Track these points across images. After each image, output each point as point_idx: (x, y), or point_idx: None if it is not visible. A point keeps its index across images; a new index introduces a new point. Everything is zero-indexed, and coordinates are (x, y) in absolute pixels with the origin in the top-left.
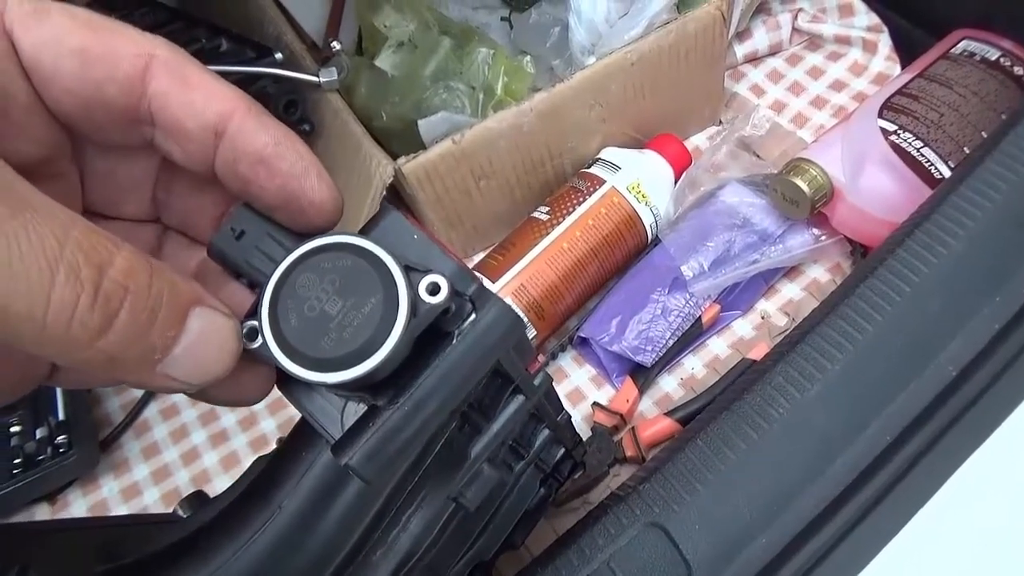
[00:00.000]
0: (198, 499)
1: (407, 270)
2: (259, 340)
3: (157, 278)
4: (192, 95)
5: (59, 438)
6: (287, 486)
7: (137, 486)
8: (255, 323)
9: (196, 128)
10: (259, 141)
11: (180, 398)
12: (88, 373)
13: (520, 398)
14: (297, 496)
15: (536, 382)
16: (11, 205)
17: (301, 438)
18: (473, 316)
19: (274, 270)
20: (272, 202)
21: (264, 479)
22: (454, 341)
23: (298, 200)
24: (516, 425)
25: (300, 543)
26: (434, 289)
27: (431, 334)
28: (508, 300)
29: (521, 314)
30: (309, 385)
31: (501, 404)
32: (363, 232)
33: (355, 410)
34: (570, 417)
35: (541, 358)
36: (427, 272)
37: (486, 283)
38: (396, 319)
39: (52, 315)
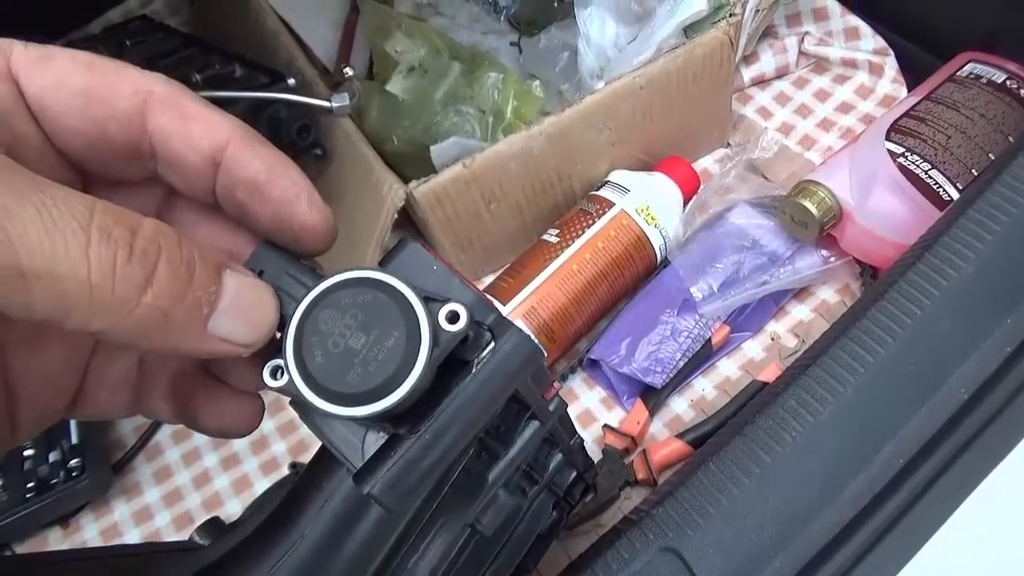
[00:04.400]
0: (214, 526)
1: (426, 300)
2: (284, 378)
3: (185, 240)
4: (189, 127)
5: (72, 462)
6: (308, 514)
7: (149, 509)
8: (279, 361)
9: (195, 159)
10: (252, 168)
11: None
12: (125, 364)
13: (535, 424)
14: (319, 524)
15: (551, 407)
16: (34, 182)
17: (322, 466)
18: (492, 345)
19: (296, 308)
20: (267, 227)
21: (285, 507)
22: (474, 370)
23: (290, 225)
24: (531, 450)
25: (322, 572)
26: (453, 317)
27: (451, 363)
28: (519, 322)
29: (533, 338)
30: (331, 414)
31: (517, 430)
32: (383, 264)
33: (375, 439)
34: (583, 441)
35: (557, 384)
36: (446, 301)
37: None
38: (419, 350)
39: (95, 274)
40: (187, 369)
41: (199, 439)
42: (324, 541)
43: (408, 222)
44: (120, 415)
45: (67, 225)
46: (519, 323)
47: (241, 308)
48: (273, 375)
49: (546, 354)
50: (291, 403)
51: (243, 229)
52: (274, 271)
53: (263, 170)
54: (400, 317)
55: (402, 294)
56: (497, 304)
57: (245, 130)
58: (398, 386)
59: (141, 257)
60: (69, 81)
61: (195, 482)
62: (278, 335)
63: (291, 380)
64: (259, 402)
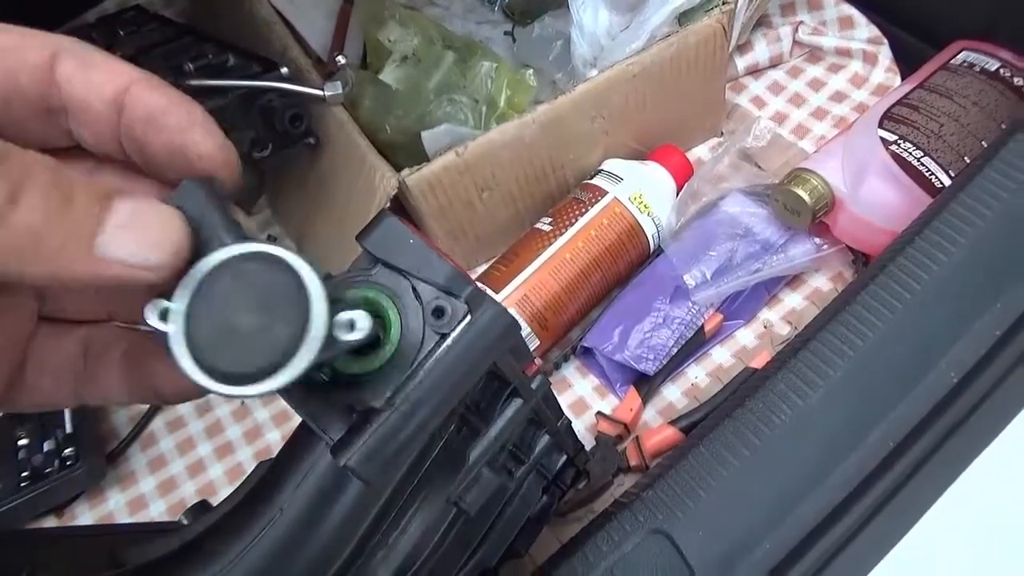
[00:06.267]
0: (203, 508)
1: (332, 301)
2: (166, 326)
3: (64, 168)
4: (93, 73)
5: (66, 451)
6: (288, 489)
7: (143, 498)
8: (169, 305)
9: (99, 105)
10: (151, 102)
11: (187, 410)
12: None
13: (518, 402)
14: (298, 498)
15: (534, 385)
16: None
17: (301, 441)
18: (468, 319)
19: (204, 261)
20: (163, 161)
21: (265, 483)
22: (449, 343)
23: (184, 154)
24: (515, 429)
25: (302, 545)
26: (351, 326)
27: (428, 337)
28: (512, 311)
29: (524, 324)
30: (309, 388)
31: (498, 407)
32: (360, 237)
33: (354, 412)
34: (570, 423)
35: (538, 361)
36: (349, 308)
37: (489, 293)
38: (298, 351)
39: None
40: (138, 340)
41: (193, 428)
42: (303, 515)
43: (401, 211)
44: (69, 403)
45: None
46: (512, 311)
47: (136, 227)
48: (159, 316)
49: (538, 341)
50: None
51: None
52: (194, 213)
53: (161, 102)
54: (295, 312)
55: (306, 289)
56: (489, 291)
57: (148, 76)
58: (265, 378)
59: (5, 175)
60: None
61: (189, 471)
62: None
63: (172, 331)
64: None
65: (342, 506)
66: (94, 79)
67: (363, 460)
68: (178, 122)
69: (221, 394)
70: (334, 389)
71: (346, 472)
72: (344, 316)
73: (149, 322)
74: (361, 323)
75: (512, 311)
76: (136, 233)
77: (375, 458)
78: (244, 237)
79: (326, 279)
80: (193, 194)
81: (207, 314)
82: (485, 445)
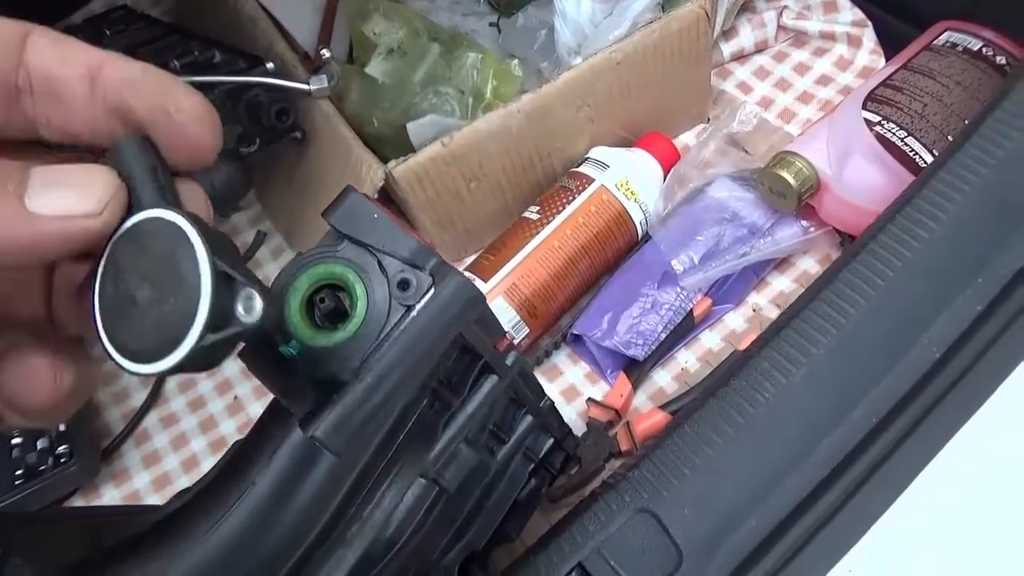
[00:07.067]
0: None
1: (227, 279)
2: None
3: None
4: (67, 49)
5: (60, 448)
6: (260, 462)
7: (138, 494)
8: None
9: (70, 74)
10: (129, 69)
11: (180, 406)
12: None
13: (493, 378)
14: (270, 472)
15: (508, 362)
16: None
17: (272, 417)
18: (432, 291)
19: (123, 225)
20: (145, 118)
21: (238, 458)
22: (415, 314)
23: (166, 111)
24: (492, 406)
25: (274, 517)
26: (249, 306)
27: (394, 308)
28: (500, 299)
29: (514, 313)
30: (278, 363)
31: (471, 381)
32: (326, 214)
33: (323, 386)
34: (553, 403)
35: (510, 335)
36: (247, 284)
37: (479, 284)
38: (189, 331)
39: None
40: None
41: (187, 424)
42: (275, 488)
43: (389, 203)
44: None
45: None
46: (500, 300)
47: (64, 179)
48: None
49: (528, 329)
50: (239, 353)
51: None
52: (126, 171)
53: (137, 69)
54: (184, 286)
55: (197, 261)
56: (479, 282)
57: (118, 54)
58: (156, 359)
59: None
60: None
61: (183, 466)
62: None
63: (92, 302)
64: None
65: (314, 479)
66: (68, 54)
67: (330, 431)
68: (158, 83)
69: (129, 372)
70: (302, 363)
71: (316, 445)
72: (242, 293)
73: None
74: (258, 303)
75: (501, 300)
76: (64, 186)
77: (342, 429)
78: (165, 199)
79: (238, 256)
80: (125, 152)
81: (112, 282)
82: (462, 422)
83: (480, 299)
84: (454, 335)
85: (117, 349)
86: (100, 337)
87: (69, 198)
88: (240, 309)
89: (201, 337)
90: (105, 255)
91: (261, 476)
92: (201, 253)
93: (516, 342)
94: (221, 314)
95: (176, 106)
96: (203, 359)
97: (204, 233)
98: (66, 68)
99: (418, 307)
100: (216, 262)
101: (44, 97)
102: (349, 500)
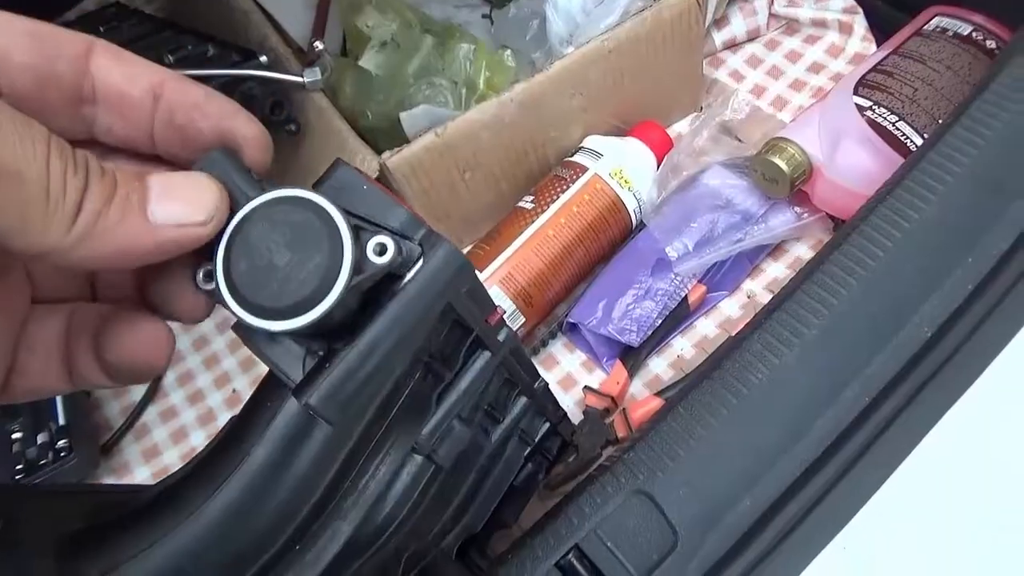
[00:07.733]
0: None
1: (356, 229)
2: (213, 283)
3: (95, 157)
4: (131, 65)
5: (60, 443)
6: (255, 434)
7: None
8: (211, 266)
9: (137, 92)
10: (193, 92)
11: (179, 400)
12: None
13: (486, 355)
14: (265, 442)
15: (500, 338)
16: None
17: (267, 388)
18: (422, 260)
19: (232, 217)
20: (209, 142)
21: (233, 430)
22: (404, 283)
23: (232, 136)
24: (485, 383)
25: (270, 488)
26: (381, 250)
27: (384, 279)
28: (496, 288)
29: (510, 302)
30: (271, 334)
31: (463, 355)
32: (316, 185)
33: (316, 356)
34: (547, 385)
35: (500, 309)
36: (376, 232)
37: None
38: (338, 277)
39: (54, 183)
40: (109, 318)
41: (186, 418)
42: (270, 458)
43: None
44: (57, 386)
45: (36, 135)
46: (496, 289)
47: (178, 192)
48: (205, 279)
49: (523, 318)
50: (233, 327)
51: None
52: (221, 177)
53: (202, 94)
54: (326, 242)
55: (332, 219)
56: None
57: (177, 73)
58: (312, 308)
59: (82, 169)
60: (16, 24)
61: (183, 460)
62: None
63: (217, 285)
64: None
65: (309, 450)
66: (131, 71)
67: (324, 399)
68: (222, 109)
69: (280, 332)
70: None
71: (312, 417)
72: (374, 240)
73: (199, 287)
74: (390, 245)
75: (497, 289)
76: (179, 197)
77: (336, 396)
78: (264, 191)
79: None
80: (217, 161)
81: (246, 258)
82: (455, 398)
83: (469, 267)
84: (445, 303)
85: (255, 315)
86: (234, 310)
87: (185, 209)
88: (373, 254)
89: (349, 279)
90: (224, 241)
91: (257, 447)
92: (335, 213)
93: (512, 332)
94: (358, 261)
95: (241, 134)
96: (344, 304)
97: (328, 194)
98: (130, 85)
99: (409, 275)
100: (352, 216)
101: (108, 108)
102: (345, 471)
